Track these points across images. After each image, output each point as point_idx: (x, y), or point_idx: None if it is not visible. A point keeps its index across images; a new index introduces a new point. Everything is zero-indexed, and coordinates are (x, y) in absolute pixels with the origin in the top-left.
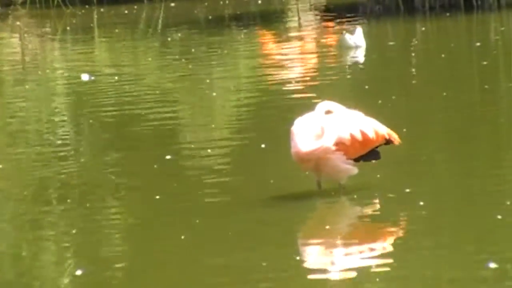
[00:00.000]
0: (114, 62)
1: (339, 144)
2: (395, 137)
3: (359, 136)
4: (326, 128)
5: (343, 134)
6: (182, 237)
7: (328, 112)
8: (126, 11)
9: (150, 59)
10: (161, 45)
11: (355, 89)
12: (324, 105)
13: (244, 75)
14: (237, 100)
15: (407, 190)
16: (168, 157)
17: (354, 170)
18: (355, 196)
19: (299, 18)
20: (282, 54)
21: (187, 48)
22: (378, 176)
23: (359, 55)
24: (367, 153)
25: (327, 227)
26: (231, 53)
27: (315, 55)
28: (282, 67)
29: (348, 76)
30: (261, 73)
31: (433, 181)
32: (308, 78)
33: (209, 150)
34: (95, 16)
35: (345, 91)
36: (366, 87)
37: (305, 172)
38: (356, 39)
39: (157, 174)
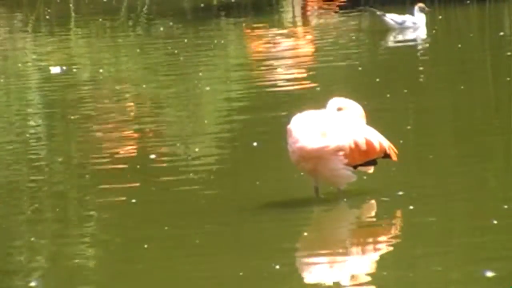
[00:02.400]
0: (94, 56)
1: (342, 148)
2: (394, 152)
3: (363, 145)
4: (332, 128)
5: (348, 139)
6: (145, 246)
7: (340, 109)
8: None
9: (138, 50)
10: (146, 37)
11: (365, 82)
12: (336, 101)
13: (236, 70)
14: (228, 95)
15: (400, 193)
16: (152, 156)
17: (353, 177)
18: (345, 200)
19: (293, 7)
20: (277, 48)
21: (175, 40)
22: (377, 176)
23: (381, 43)
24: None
25: (305, 234)
26: (224, 45)
27: (314, 46)
28: (277, 61)
29: (360, 68)
30: (255, 68)
31: (430, 183)
32: (307, 72)
33: (196, 149)
34: (71, 5)
35: (352, 84)
36: (377, 80)
37: (301, 172)
38: (407, 19)
39: (138, 175)
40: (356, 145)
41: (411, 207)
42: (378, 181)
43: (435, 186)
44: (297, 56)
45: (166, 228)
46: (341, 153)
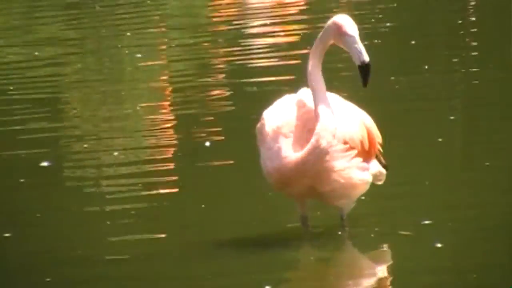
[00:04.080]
0: None
1: (349, 139)
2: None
3: (375, 129)
4: (322, 112)
5: (352, 121)
6: None
7: (301, 105)
8: None
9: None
10: None
11: (394, 46)
12: (304, 93)
13: (181, 29)
14: (169, 70)
15: (426, 222)
16: (44, 164)
17: (368, 180)
18: (344, 234)
19: None
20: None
21: None
22: (394, 195)
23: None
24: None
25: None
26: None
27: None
28: (242, 24)
29: (387, 25)
30: (214, 27)
31: (475, 209)
32: (295, 36)
33: (115, 153)
34: None
35: (373, 48)
36: (412, 42)
37: (289, 197)
38: None
39: (25, 187)
40: (369, 131)
41: (439, 245)
42: (394, 203)
43: (483, 215)
44: (282, 13)
45: None
46: (350, 151)
